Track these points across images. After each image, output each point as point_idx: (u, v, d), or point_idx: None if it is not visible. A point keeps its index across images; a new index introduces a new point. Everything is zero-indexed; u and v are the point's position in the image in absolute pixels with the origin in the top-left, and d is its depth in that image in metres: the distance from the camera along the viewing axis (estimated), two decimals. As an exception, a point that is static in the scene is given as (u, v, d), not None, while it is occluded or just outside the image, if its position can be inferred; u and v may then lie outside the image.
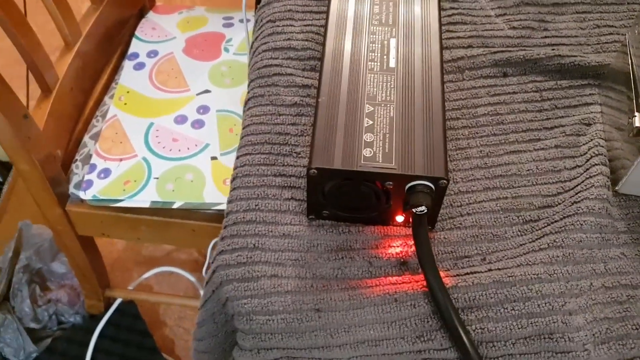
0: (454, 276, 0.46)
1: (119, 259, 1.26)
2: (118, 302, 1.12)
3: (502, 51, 0.62)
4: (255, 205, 0.49)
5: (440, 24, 0.55)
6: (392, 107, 0.48)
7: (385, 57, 0.51)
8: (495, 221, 0.50)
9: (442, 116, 0.47)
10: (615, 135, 0.53)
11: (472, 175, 0.53)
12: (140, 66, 1.03)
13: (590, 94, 0.60)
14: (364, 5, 0.56)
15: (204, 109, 0.95)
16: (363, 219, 0.48)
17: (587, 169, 0.53)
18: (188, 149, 0.89)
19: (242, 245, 0.47)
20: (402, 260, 0.47)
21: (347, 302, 0.44)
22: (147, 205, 0.83)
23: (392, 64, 0.51)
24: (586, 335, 0.43)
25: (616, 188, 0.52)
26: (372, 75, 0.50)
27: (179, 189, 0.84)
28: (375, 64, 0.51)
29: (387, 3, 0.56)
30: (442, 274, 0.46)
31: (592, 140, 0.55)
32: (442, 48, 0.52)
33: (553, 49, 0.62)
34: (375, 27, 0.54)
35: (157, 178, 0.86)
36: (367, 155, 0.45)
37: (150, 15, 1.16)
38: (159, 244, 1.23)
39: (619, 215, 0.51)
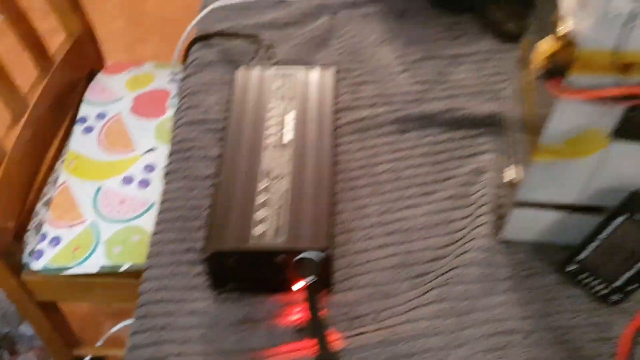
0: (347, 338, 0.50)
1: (90, 313, 1.30)
2: (87, 360, 1.16)
3: (402, 108, 0.67)
4: (165, 285, 0.53)
5: (335, 96, 0.59)
6: (285, 182, 0.52)
7: (281, 131, 0.56)
8: (388, 278, 0.54)
9: (330, 188, 0.51)
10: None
11: (370, 233, 0.57)
12: (88, 130, 1.08)
13: (483, 143, 0.64)
14: (264, 80, 0.60)
15: (149, 168, 0.99)
16: (265, 289, 0.52)
17: (475, 219, 0.57)
18: (134, 210, 0.93)
19: (152, 325, 0.51)
20: (300, 326, 0.51)
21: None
22: (96, 270, 0.87)
23: (288, 138, 0.55)
24: (469, 385, 0.47)
25: (499, 235, 0.56)
26: (269, 150, 0.54)
27: (126, 251, 0.88)
28: (273, 138, 0.55)
29: (287, 78, 0.61)
30: (335, 336, 0.50)
31: (482, 189, 0.59)
32: (334, 120, 0.57)
33: (446, 104, 0.66)
34: (275, 102, 0.58)
35: (106, 242, 0.90)
36: (258, 233, 0.49)
37: (100, 76, 1.20)
38: (116, 304, 1.26)
39: (503, 261, 0.55)
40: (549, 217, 0.52)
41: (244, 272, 0.50)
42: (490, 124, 0.65)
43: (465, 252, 0.54)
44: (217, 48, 0.73)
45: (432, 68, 0.71)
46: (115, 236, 0.90)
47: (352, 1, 0.78)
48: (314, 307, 0.49)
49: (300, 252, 0.48)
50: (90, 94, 1.14)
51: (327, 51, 0.73)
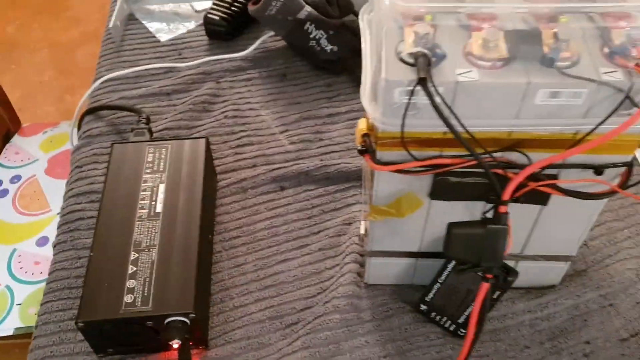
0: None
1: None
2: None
3: (281, 167, 0.73)
4: (51, 352, 0.57)
5: (205, 166, 0.65)
6: (154, 252, 0.57)
7: (153, 202, 0.61)
8: (261, 330, 0.59)
9: (197, 254, 0.57)
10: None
11: (247, 289, 0.63)
12: (3, 193, 1.10)
13: (353, 195, 0.71)
14: (139, 153, 0.66)
15: (62, 230, 1.02)
16: (145, 349, 0.57)
17: (342, 267, 0.63)
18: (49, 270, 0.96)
19: (40, 392, 0.55)
20: (178, 381, 0.56)
21: None
22: (10, 332, 0.90)
23: (158, 209, 0.60)
24: None
25: (364, 280, 0.62)
26: (141, 222, 0.59)
27: (38, 314, 0.91)
28: (144, 210, 0.60)
29: (160, 151, 0.66)
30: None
31: (349, 239, 0.66)
32: (205, 189, 0.62)
33: (321, 161, 0.73)
34: (148, 175, 0.63)
35: (20, 304, 0.92)
36: (128, 302, 0.53)
37: (15, 138, 1.23)
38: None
39: (365, 305, 0.61)
40: (401, 262, 0.59)
41: (122, 337, 0.55)
42: (359, 177, 0.71)
43: (331, 299, 0.60)
44: (106, 120, 0.78)
45: (310, 127, 0.78)
46: (30, 298, 0.93)
47: (237, 66, 0.84)
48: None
49: (166, 317, 0.53)
50: (4, 157, 1.17)
51: (212, 116, 0.79)
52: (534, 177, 0.44)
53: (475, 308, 0.47)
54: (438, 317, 0.58)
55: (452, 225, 0.46)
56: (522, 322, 0.59)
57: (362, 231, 0.59)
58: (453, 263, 0.55)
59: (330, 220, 0.68)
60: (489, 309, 0.55)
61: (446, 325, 0.58)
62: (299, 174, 0.71)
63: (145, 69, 0.83)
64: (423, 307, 0.58)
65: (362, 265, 0.62)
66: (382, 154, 0.46)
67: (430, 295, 0.57)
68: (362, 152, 0.47)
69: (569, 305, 0.60)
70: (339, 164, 0.72)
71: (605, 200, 0.49)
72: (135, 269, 0.55)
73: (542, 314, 0.59)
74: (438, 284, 0.57)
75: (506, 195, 0.43)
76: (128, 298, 0.53)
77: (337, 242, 0.66)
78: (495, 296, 0.54)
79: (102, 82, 0.81)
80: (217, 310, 0.60)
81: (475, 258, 0.45)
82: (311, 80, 0.82)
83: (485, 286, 0.46)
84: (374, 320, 0.59)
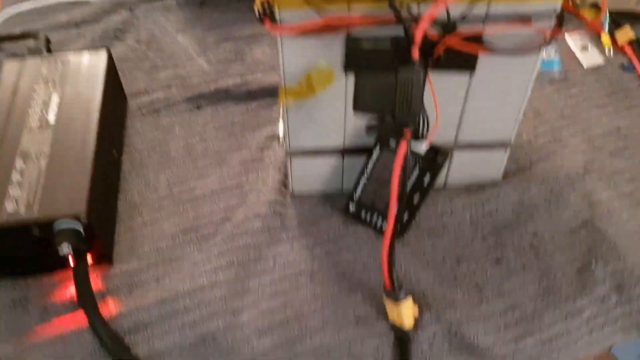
0: (123, 304, 0.47)
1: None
2: None
3: (198, 87, 0.66)
4: None
5: (106, 79, 0.58)
6: (43, 161, 0.50)
7: (45, 114, 0.54)
8: (174, 244, 0.52)
9: (92, 163, 0.49)
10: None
11: (158, 205, 0.55)
12: None
13: (277, 111, 0.64)
14: (32, 67, 0.58)
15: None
16: (40, 268, 0.49)
17: (266, 180, 0.57)
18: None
19: None
20: (76, 301, 0.48)
21: (12, 354, 0.45)
22: None
23: (51, 120, 0.53)
24: (250, 330, 0.46)
25: (288, 190, 0.55)
26: (30, 132, 0.52)
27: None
28: (35, 121, 0.53)
29: (56, 63, 0.59)
30: (112, 304, 0.47)
31: (274, 151, 0.59)
32: (105, 102, 0.55)
33: (242, 80, 0.66)
34: (40, 86, 0.56)
35: None
36: (11, 210, 0.46)
37: None
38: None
39: (292, 213, 0.54)
40: (325, 164, 0.53)
41: (7, 253, 0.47)
42: (284, 93, 0.65)
43: (252, 206, 0.53)
44: (7, 52, 0.71)
45: (230, 49, 0.71)
46: None
47: (151, -5, 0.78)
48: (80, 278, 0.47)
49: (54, 222, 0.45)
50: None
51: (123, 43, 0.72)
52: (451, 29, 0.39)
53: (394, 176, 0.41)
54: (369, 216, 0.52)
55: (359, 75, 0.40)
56: (463, 220, 0.53)
57: (281, 133, 0.53)
58: (378, 151, 0.49)
59: (253, 136, 0.61)
60: (422, 198, 0.49)
61: (378, 225, 0.52)
62: (218, 92, 0.65)
63: (55, 2, 0.76)
64: (351, 207, 0.52)
65: (287, 176, 0.56)
66: (284, 14, 0.40)
67: (358, 192, 0.52)
68: (261, 18, 0.41)
69: (513, 200, 0.54)
70: (262, 81, 0.65)
71: (537, 64, 0.44)
72: (20, 178, 0.48)
73: (484, 210, 0.54)
74: (365, 178, 0.51)
75: (418, 34, 0.38)
76: (10, 206, 0.46)
77: (260, 156, 0.59)
78: (426, 183, 0.48)
79: (9, 16, 0.74)
80: (124, 227, 0.53)
81: (387, 110, 0.40)
82: (231, 5, 0.76)
83: (403, 146, 0.40)
84: (300, 227, 0.53)
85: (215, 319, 0.46)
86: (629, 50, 0.68)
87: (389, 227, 0.42)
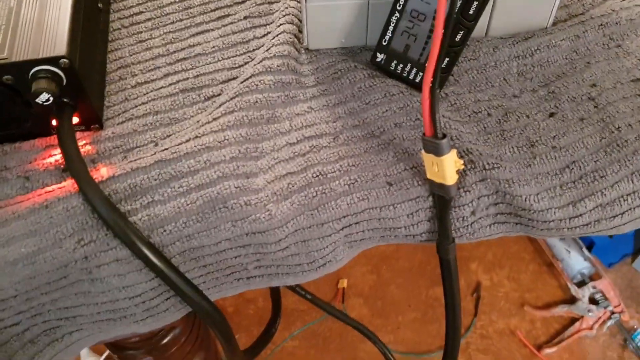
0: (117, 168, 0.40)
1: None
2: None
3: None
4: None
5: None
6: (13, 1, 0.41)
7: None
8: (173, 104, 0.45)
9: (72, 5, 0.41)
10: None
11: (153, 64, 0.48)
12: None
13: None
14: None
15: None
16: (20, 134, 0.42)
17: (276, 36, 0.48)
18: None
19: None
20: (62, 167, 0.41)
21: (-10, 225, 0.38)
22: None
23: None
24: (267, 196, 0.39)
25: (303, 44, 0.47)
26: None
27: None
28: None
29: None
30: (104, 168, 0.40)
31: (285, 2, 0.51)
32: None
33: None
34: None
35: None
36: (-25, 55, 0.38)
37: None
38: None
39: (309, 71, 0.47)
40: (346, 9, 0.44)
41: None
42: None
43: (262, 60, 0.45)
44: None
45: None
46: None
47: None
48: (66, 136, 0.39)
49: (30, 66, 0.37)
50: None
51: None
52: None
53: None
54: (400, 67, 0.44)
55: None
56: (509, 72, 0.45)
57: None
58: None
59: (259, -13, 0.52)
60: (466, 36, 0.41)
61: (411, 77, 0.44)
62: (217, -58, 0.55)
63: None
64: (380, 56, 0.44)
65: (300, 31, 0.48)
66: None
67: (387, 36, 0.43)
68: None
69: (566, 47, 0.46)
70: None
71: None
72: (-16, 17, 0.40)
73: (533, 60, 0.46)
74: (395, 18, 0.42)
75: None
76: (-27, 50, 0.38)
77: (269, 9, 0.51)
78: (473, 11, 0.40)
79: None
80: (116, 88, 0.46)
81: None
82: None
83: None
84: (319, 85, 0.45)
85: (226, 182, 0.39)
86: None
87: (433, 55, 0.34)
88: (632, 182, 0.40)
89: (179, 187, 0.39)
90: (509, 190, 0.40)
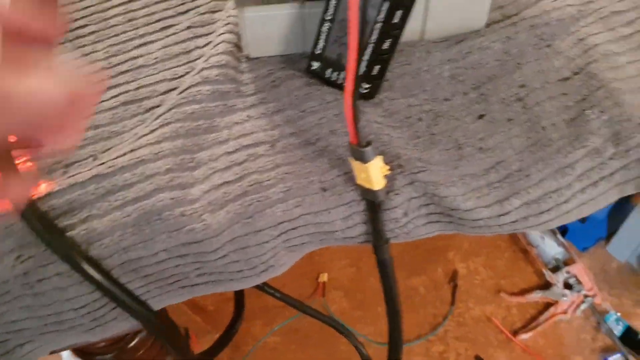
0: (56, 183, 0.41)
1: None
2: None
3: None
4: None
5: None
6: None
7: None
8: (113, 117, 0.46)
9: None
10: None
11: (95, 79, 0.48)
12: None
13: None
14: None
15: None
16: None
17: (217, 44, 0.49)
18: None
19: None
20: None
21: None
22: None
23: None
24: (202, 206, 0.40)
25: (243, 53, 0.48)
26: None
27: None
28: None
29: None
30: (44, 184, 0.41)
31: (227, 12, 0.52)
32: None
33: None
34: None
35: None
36: None
37: None
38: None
39: (248, 79, 0.48)
40: (284, 15, 0.45)
41: None
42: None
43: (200, 71, 0.46)
44: None
45: None
46: None
47: None
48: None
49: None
50: None
51: None
52: None
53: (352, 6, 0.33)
54: (335, 75, 0.45)
55: None
56: (442, 75, 0.47)
57: None
58: (341, -13, 0.42)
59: (203, -2, 0.53)
60: (394, 44, 0.42)
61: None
62: (162, -48, 0.56)
63: None
64: (315, 64, 0.45)
65: (241, 38, 0.49)
66: None
67: (320, 44, 0.44)
68: None
69: (498, 49, 0.47)
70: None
71: None
72: None
73: (465, 63, 0.47)
74: (326, 27, 0.43)
75: None
76: None
77: (211, 18, 0.52)
78: (397, 21, 0.41)
79: None
80: (56, 103, 0.46)
81: None
82: None
83: None
84: (258, 93, 0.46)
85: (161, 193, 0.40)
86: None
87: (351, 65, 0.35)
88: (556, 179, 0.42)
89: (115, 201, 0.40)
90: (437, 192, 0.41)
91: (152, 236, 0.40)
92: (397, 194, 0.41)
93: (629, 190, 0.43)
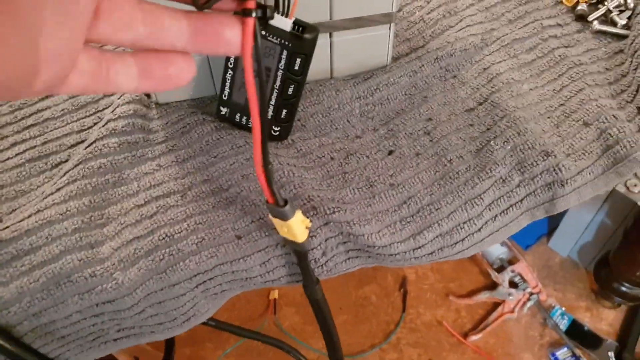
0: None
1: None
2: None
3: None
4: None
5: None
6: None
7: None
8: (19, 176, 0.45)
9: None
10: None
11: (0, 134, 0.47)
12: None
13: None
14: None
15: None
16: None
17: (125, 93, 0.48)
18: None
19: None
20: None
21: None
22: None
23: None
24: (113, 264, 0.40)
25: (152, 99, 0.48)
26: None
27: None
28: None
29: None
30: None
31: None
32: None
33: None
34: None
35: None
36: None
37: None
38: None
39: (158, 126, 0.47)
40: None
41: None
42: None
43: (107, 122, 0.45)
44: None
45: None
46: None
47: None
48: None
49: None
50: None
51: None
52: None
53: (246, 68, 0.33)
54: (244, 119, 0.45)
55: None
56: (351, 113, 0.47)
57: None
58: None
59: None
60: (297, 89, 0.43)
61: (256, 127, 0.45)
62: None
63: None
64: (223, 109, 0.45)
65: (150, 82, 0.48)
66: None
67: (226, 90, 0.44)
68: None
69: (405, 83, 0.48)
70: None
71: None
72: None
73: (374, 99, 0.47)
74: (230, 75, 0.43)
75: None
76: None
77: (120, 64, 0.50)
78: (298, 68, 0.41)
79: None
80: (-40, 164, 0.45)
81: None
82: None
83: (248, 26, 0.32)
84: (168, 141, 0.46)
85: (69, 255, 0.39)
86: None
87: (256, 131, 0.35)
88: (466, 210, 0.42)
89: (21, 266, 0.39)
90: (352, 230, 0.42)
91: (63, 299, 0.39)
92: (313, 236, 0.41)
93: (539, 215, 0.44)
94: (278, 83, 0.42)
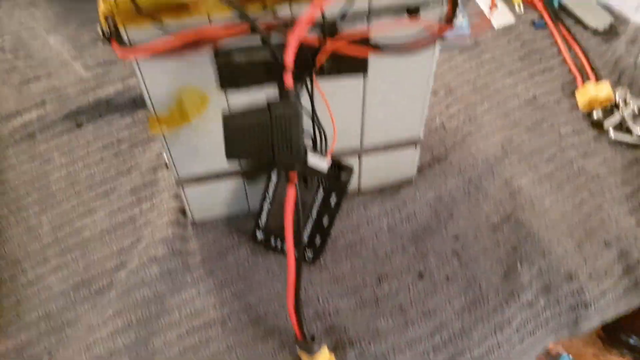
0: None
1: None
2: None
3: (76, 100, 0.58)
4: None
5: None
6: None
7: None
8: (65, 304, 0.46)
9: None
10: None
11: (43, 257, 0.49)
12: None
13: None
14: None
15: None
16: None
17: (162, 209, 0.50)
18: None
19: None
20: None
21: None
22: None
23: None
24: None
25: (188, 218, 0.50)
26: None
27: None
28: None
29: None
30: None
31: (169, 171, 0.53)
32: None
33: (125, 83, 0.58)
34: None
35: None
36: None
37: None
38: None
39: (194, 247, 0.49)
40: (223, 187, 0.47)
41: None
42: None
43: (147, 248, 0.47)
44: None
45: (106, 49, 0.63)
46: None
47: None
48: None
49: None
50: None
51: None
52: (332, 32, 0.33)
53: (287, 219, 0.35)
54: (279, 243, 0.47)
55: (226, 117, 0.34)
56: (380, 229, 0.49)
57: (166, 159, 0.47)
58: (277, 174, 0.44)
59: (143, 154, 0.54)
60: (331, 220, 0.45)
61: (290, 251, 0.47)
62: (99, 103, 0.57)
63: None
64: (259, 234, 0.47)
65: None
66: (133, 34, 0.33)
67: (263, 217, 0.46)
68: (108, 39, 0.34)
69: (431, 198, 0.50)
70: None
71: (434, 57, 0.39)
72: None
73: (401, 215, 0.50)
74: (268, 202, 0.45)
75: (288, 58, 0.31)
76: None
77: (154, 179, 0.53)
78: (333, 204, 0.43)
79: None
80: (7, 290, 0.47)
81: (266, 154, 0.34)
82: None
83: (291, 191, 0.35)
84: (205, 264, 0.48)
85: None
86: (539, 4, 0.63)
87: (290, 280, 0.37)
88: (496, 336, 0.45)
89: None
90: (387, 360, 0.44)
91: None
92: (349, 367, 0.43)
93: (564, 335, 0.46)
94: (314, 216, 0.44)
